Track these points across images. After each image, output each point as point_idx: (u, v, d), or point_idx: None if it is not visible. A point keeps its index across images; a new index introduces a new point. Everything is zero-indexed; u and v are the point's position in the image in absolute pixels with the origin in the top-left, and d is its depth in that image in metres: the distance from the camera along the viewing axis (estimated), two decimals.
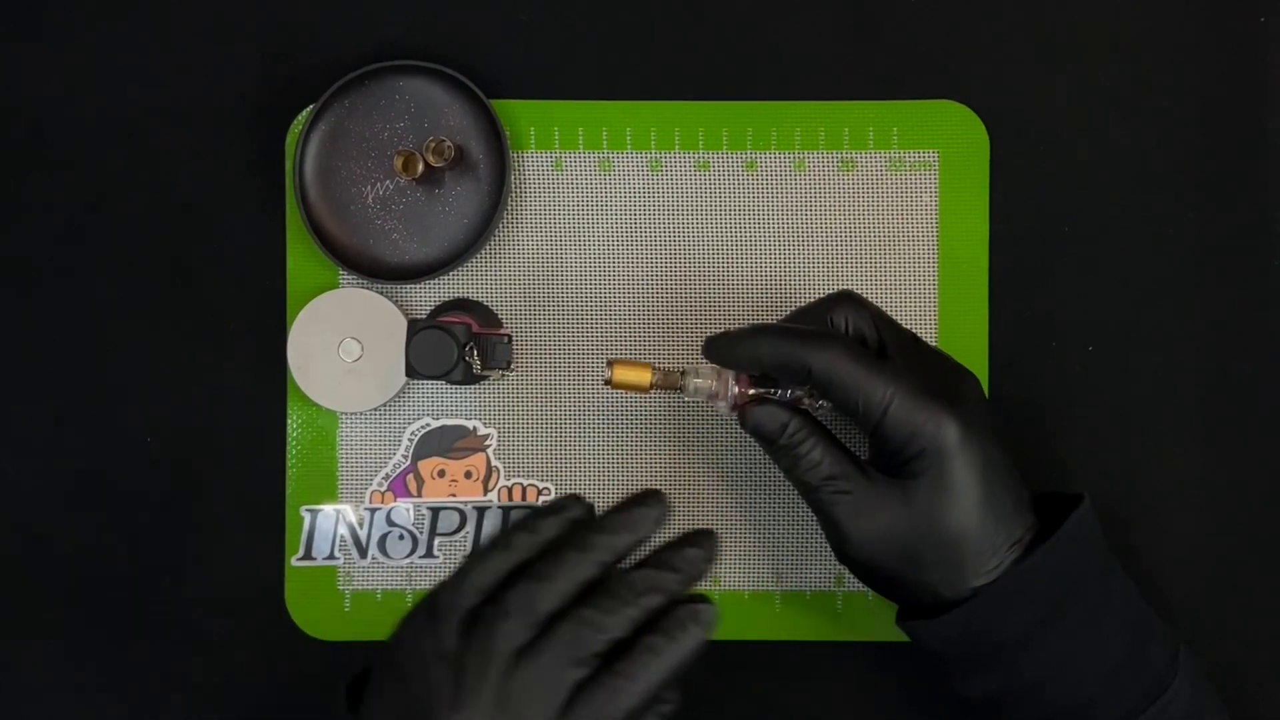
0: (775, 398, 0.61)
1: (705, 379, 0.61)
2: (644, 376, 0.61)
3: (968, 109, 0.68)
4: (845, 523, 0.58)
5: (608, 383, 0.61)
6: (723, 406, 0.61)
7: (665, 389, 0.62)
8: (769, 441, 0.60)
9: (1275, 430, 0.68)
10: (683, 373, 0.61)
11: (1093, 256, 0.68)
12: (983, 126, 0.68)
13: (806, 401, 0.61)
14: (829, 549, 0.67)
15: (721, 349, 0.60)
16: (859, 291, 0.62)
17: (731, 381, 0.61)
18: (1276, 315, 0.68)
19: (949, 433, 0.56)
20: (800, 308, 0.62)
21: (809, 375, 0.58)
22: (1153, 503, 0.68)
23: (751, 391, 0.61)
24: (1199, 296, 0.68)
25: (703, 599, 0.53)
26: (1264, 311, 0.68)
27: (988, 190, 0.68)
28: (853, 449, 0.64)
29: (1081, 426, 0.68)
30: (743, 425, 0.60)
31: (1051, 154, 0.68)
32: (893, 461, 0.58)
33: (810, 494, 0.59)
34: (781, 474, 0.66)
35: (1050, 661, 0.57)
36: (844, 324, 0.60)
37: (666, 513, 0.55)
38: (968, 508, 0.57)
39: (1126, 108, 0.69)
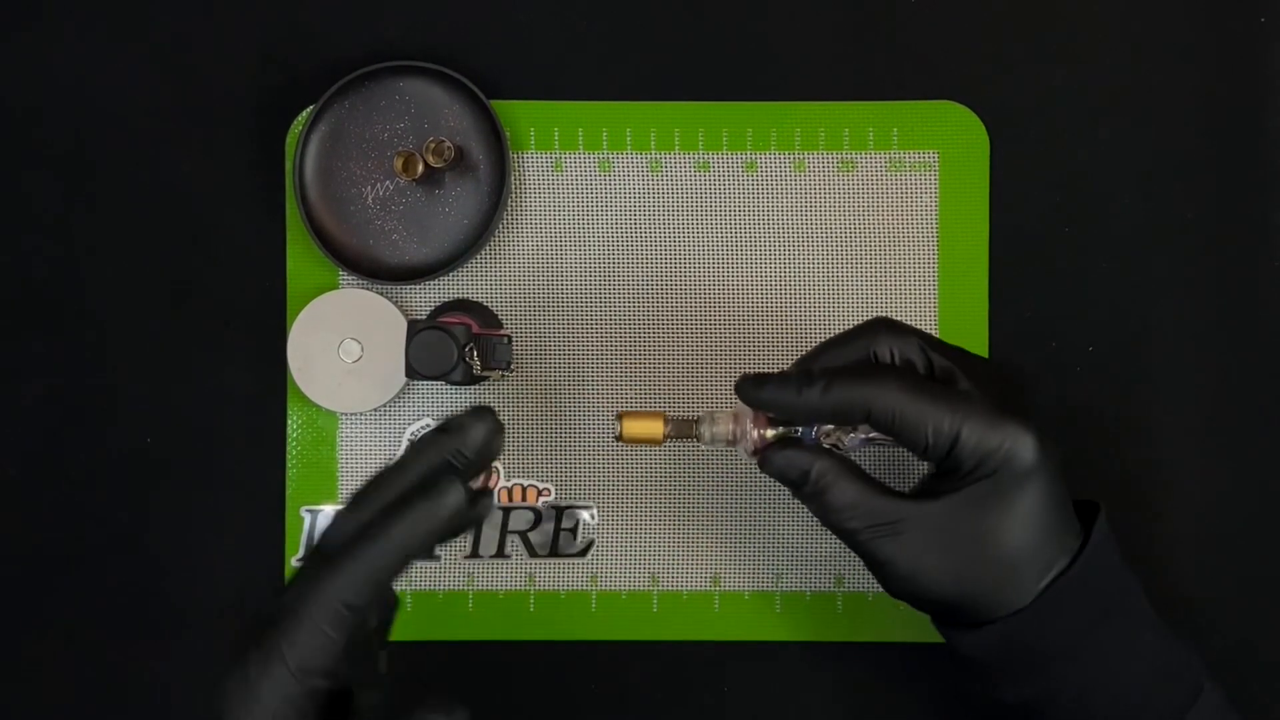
0: (798, 436, 0.58)
1: (721, 425, 0.58)
2: (656, 429, 0.58)
3: (968, 109, 0.68)
4: (894, 562, 0.55)
5: (618, 438, 0.58)
6: (743, 451, 0.59)
7: (679, 439, 0.59)
8: (794, 488, 0.57)
9: (1276, 430, 0.68)
10: (697, 420, 0.59)
11: (1093, 256, 0.68)
12: (983, 126, 0.68)
13: (836, 435, 0.58)
14: (829, 549, 0.67)
15: (773, 403, 0.56)
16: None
17: (749, 424, 0.58)
18: (1276, 315, 0.68)
19: (1026, 451, 0.54)
20: (831, 339, 0.58)
21: (869, 418, 0.55)
22: (1153, 503, 0.68)
23: (770, 433, 0.58)
24: (1199, 296, 0.68)
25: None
26: (1264, 311, 0.68)
27: (988, 190, 0.68)
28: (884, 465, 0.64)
29: (1081, 427, 0.68)
30: (763, 471, 0.58)
31: (1051, 154, 0.68)
32: (962, 483, 0.55)
33: (851, 537, 0.56)
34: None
35: (1092, 670, 0.55)
36: (889, 356, 0.57)
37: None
38: (1035, 527, 0.55)
39: (1126, 108, 0.68)
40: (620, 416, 0.58)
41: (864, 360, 0.57)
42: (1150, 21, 0.69)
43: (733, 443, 0.58)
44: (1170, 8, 0.69)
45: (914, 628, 0.67)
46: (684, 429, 0.58)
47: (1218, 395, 0.68)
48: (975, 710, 0.65)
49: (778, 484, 0.67)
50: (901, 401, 0.54)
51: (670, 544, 0.68)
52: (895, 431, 0.55)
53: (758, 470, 0.67)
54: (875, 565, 0.56)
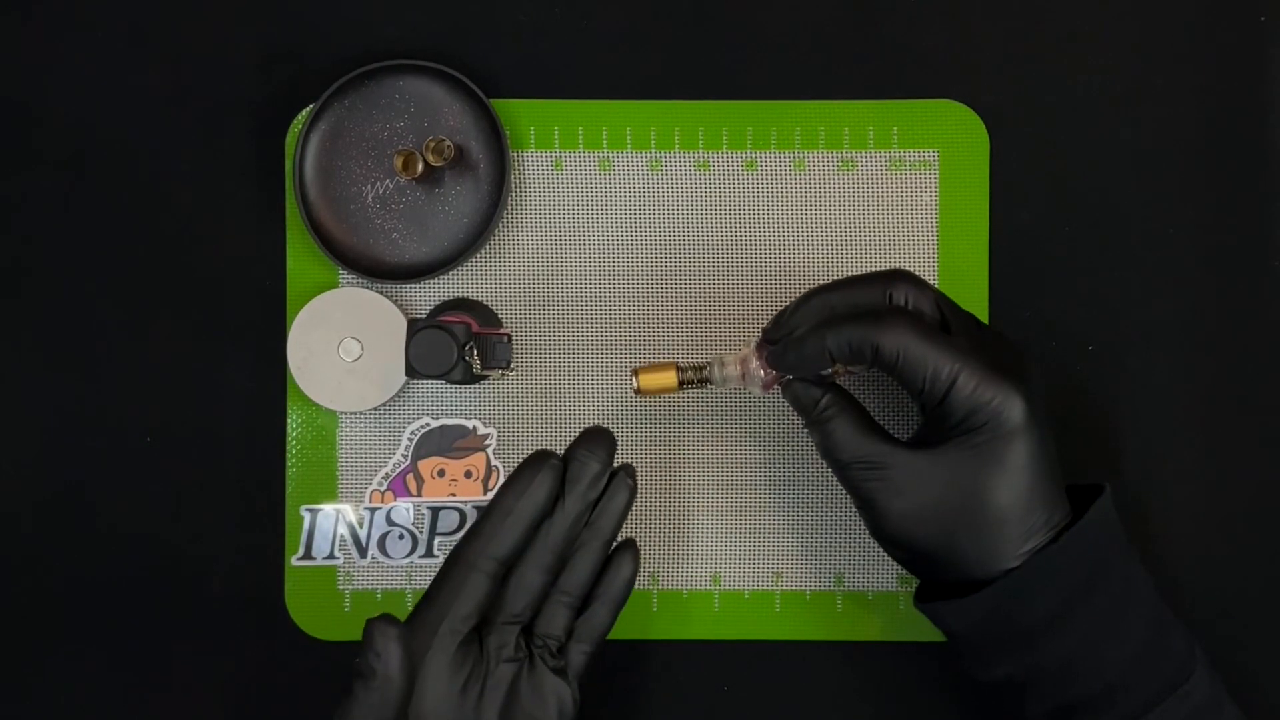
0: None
1: (731, 367, 0.62)
2: (670, 379, 0.62)
3: (968, 109, 0.68)
4: (880, 501, 0.58)
5: (636, 392, 0.62)
6: (755, 389, 0.62)
7: (694, 385, 0.62)
8: (804, 414, 0.60)
9: (1275, 431, 0.68)
10: (707, 365, 0.62)
11: (1093, 256, 0.68)
12: (983, 126, 0.68)
13: (837, 366, 0.60)
14: (829, 549, 0.67)
15: (792, 358, 0.59)
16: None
17: (755, 363, 0.61)
18: (1276, 315, 0.68)
19: (1015, 411, 0.56)
20: (851, 277, 0.61)
21: (876, 354, 0.57)
22: (1153, 503, 0.68)
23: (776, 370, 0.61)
24: (1199, 296, 0.68)
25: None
26: (1264, 311, 0.68)
27: (988, 189, 0.68)
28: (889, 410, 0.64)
29: (1081, 427, 0.68)
30: (786, 397, 0.61)
31: (1051, 154, 0.68)
32: (949, 434, 0.57)
33: (841, 471, 0.59)
34: (785, 469, 0.66)
35: (1075, 645, 0.56)
36: (904, 302, 0.59)
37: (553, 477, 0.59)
38: (1018, 489, 0.57)
39: (1126, 108, 0.68)
40: (635, 372, 0.62)
41: (878, 302, 0.59)
42: (1150, 21, 0.69)
43: (743, 381, 0.62)
44: (1170, 8, 0.69)
45: (914, 627, 0.67)
46: (696, 375, 0.62)
47: (1218, 395, 0.68)
48: (972, 706, 0.66)
49: (777, 481, 0.67)
50: (907, 341, 0.57)
51: (670, 543, 0.68)
52: (897, 370, 0.57)
53: (758, 469, 0.67)
54: (861, 504, 0.59)
